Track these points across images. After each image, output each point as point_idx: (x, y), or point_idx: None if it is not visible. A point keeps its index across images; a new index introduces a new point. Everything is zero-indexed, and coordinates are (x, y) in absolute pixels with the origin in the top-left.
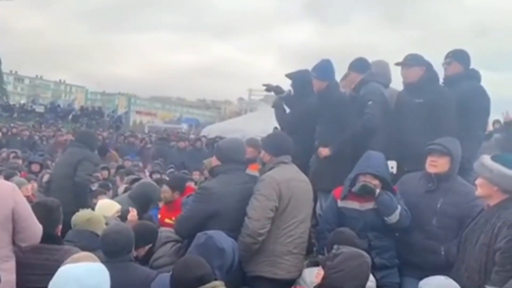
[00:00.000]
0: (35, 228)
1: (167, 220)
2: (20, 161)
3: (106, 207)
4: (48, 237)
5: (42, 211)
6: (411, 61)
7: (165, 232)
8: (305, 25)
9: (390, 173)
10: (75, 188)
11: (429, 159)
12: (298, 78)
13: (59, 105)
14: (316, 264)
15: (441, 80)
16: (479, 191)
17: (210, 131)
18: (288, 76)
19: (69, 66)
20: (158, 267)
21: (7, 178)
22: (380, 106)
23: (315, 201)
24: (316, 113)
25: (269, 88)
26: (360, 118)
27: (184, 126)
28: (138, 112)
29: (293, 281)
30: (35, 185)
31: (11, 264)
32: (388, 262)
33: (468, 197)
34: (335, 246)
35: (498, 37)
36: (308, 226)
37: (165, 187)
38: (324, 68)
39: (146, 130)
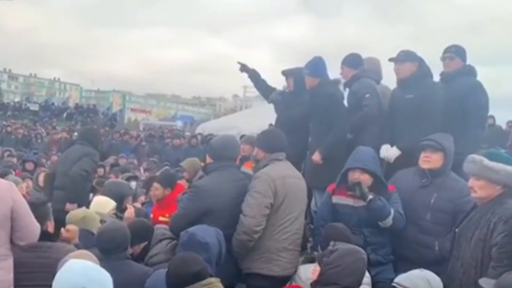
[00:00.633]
0: (33, 227)
1: (161, 218)
2: (14, 159)
3: (102, 204)
4: None
5: None
6: (404, 57)
7: (161, 229)
8: (301, 21)
9: (385, 158)
10: (68, 182)
11: (423, 155)
12: (300, 75)
13: (53, 103)
14: (311, 260)
15: (437, 75)
16: (480, 193)
17: (205, 128)
18: (286, 72)
19: (63, 64)
20: (153, 264)
21: (2, 176)
22: (377, 99)
23: (309, 198)
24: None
25: (244, 68)
26: (351, 113)
27: (179, 123)
28: (133, 110)
29: (288, 278)
30: (30, 183)
31: (9, 263)
32: (383, 259)
33: (462, 192)
34: (331, 243)
35: (490, 33)
36: (302, 222)
37: (156, 185)
38: (316, 65)
39: (141, 128)
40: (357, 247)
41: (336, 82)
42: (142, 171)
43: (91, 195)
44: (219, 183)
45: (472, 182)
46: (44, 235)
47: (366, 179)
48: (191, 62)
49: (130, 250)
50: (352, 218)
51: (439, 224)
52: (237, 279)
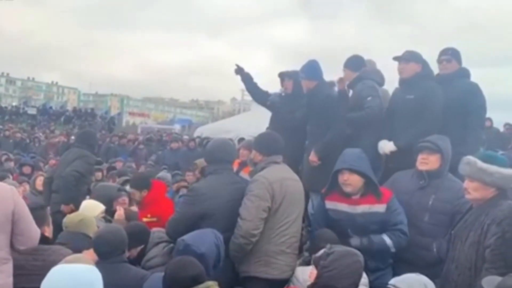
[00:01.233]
0: (33, 231)
1: (144, 219)
2: (12, 163)
3: (91, 207)
4: None
5: None
6: (410, 57)
7: (158, 232)
8: (298, 24)
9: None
10: (60, 184)
11: (420, 157)
12: (297, 77)
13: (51, 107)
14: (309, 263)
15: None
16: (474, 195)
17: (203, 131)
18: (284, 74)
19: (61, 68)
20: (150, 268)
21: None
22: (378, 100)
23: (306, 200)
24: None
25: (239, 71)
26: (352, 114)
27: (177, 127)
28: (131, 113)
29: (286, 281)
30: (27, 187)
31: (9, 266)
32: (382, 264)
33: (459, 193)
34: (328, 245)
35: (489, 35)
36: (300, 225)
37: (131, 190)
38: (312, 68)
39: (139, 131)
40: (353, 250)
41: (331, 84)
42: None
43: (87, 197)
44: (215, 186)
45: (466, 183)
46: (41, 239)
47: (355, 180)
48: (189, 65)
49: (127, 254)
50: (347, 225)
51: (437, 226)
52: (234, 282)
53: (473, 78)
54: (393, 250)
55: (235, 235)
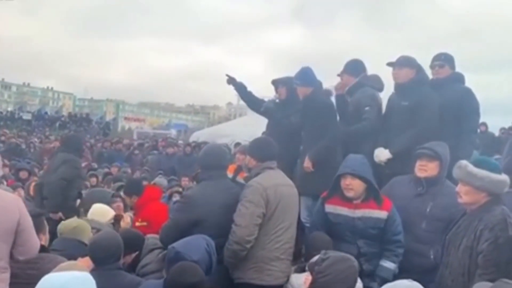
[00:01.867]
0: (34, 241)
1: (137, 224)
2: (7, 169)
3: (101, 213)
4: None
5: None
6: (403, 62)
7: (152, 239)
8: (293, 29)
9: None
10: (47, 192)
11: (418, 163)
12: (292, 83)
13: (46, 113)
14: (304, 269)
15: None
16: (465, 199)
17: (199, 136)
18: (277, 81)
19: (56, 73)
20: (145, 275)
21: None
22: (377, 110)
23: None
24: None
25: (231, 81)
26: (351, 121)
27: (173, 132)
28: (126, 118)
29: (280, 287)
30: (22, 192)
31: (7, 276)
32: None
33: (457, 200)
34: (322, 251)
35: (482, 40)
36: (295, 231)
37: (124, 196)
38: (307, 74)
39: (135, 136)
40: (347, 255)
41: (328, 93)
42: None
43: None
44: (208, 192)
45: (459, 187)
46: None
47: (357, 185)
48: (185, 71)
49: (121, 260)
50: (346, 228)
51: (434, 233)
52: None
53: (468, 84)
54: (396, 270)
55: (230, 242)
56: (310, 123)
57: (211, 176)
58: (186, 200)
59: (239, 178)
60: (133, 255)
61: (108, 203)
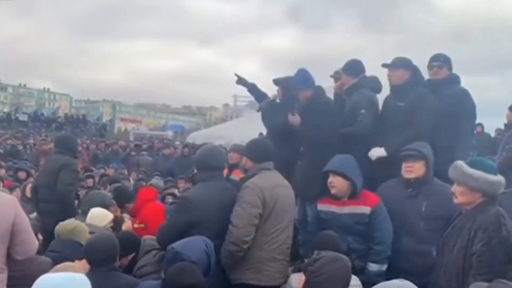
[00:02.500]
0: (32, 242)
1: (135, 225)
2: (3, 171)
3: (99, 217)
4: None
5: None
6: (398, 64)
7: (149, 240)
8: (288, 31)
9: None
10: (59, 200)
11: (405, 165)
12: (286, 83)
13: (42, 114)
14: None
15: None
16: (460, 199)
17: (196, 137)
18: (275, 81)
19: (53, 74)
20: (141, 276)
21: None
22: (372, 113)
23: None
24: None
25: (241, 81)
26: (346, 122)
27: (170, 133)
28: (123, 119)
29: None
30: (19, 192)
31: (3, 277)
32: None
33: (451, 196)
34: (316, 251)
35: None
36: (291, 231)
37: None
38: (304, 77)
39: (131, 138)
40: (340, 255)
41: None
42: (132, 181)
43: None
44: (205, 194)
45: (454, 187)
46: None
47: (339, 182)
48: (181, 72)
49: (118, 262)
50: (335, 225)
51: (433, 231)
52: None
53: (464, 86)
54: (383, 268)
55: (227, 242)
56: (312, 123)
57: (208, 177)
58: (183, 201)
59: (234, 176)
60: (130, 257)
61: (108, 206)
